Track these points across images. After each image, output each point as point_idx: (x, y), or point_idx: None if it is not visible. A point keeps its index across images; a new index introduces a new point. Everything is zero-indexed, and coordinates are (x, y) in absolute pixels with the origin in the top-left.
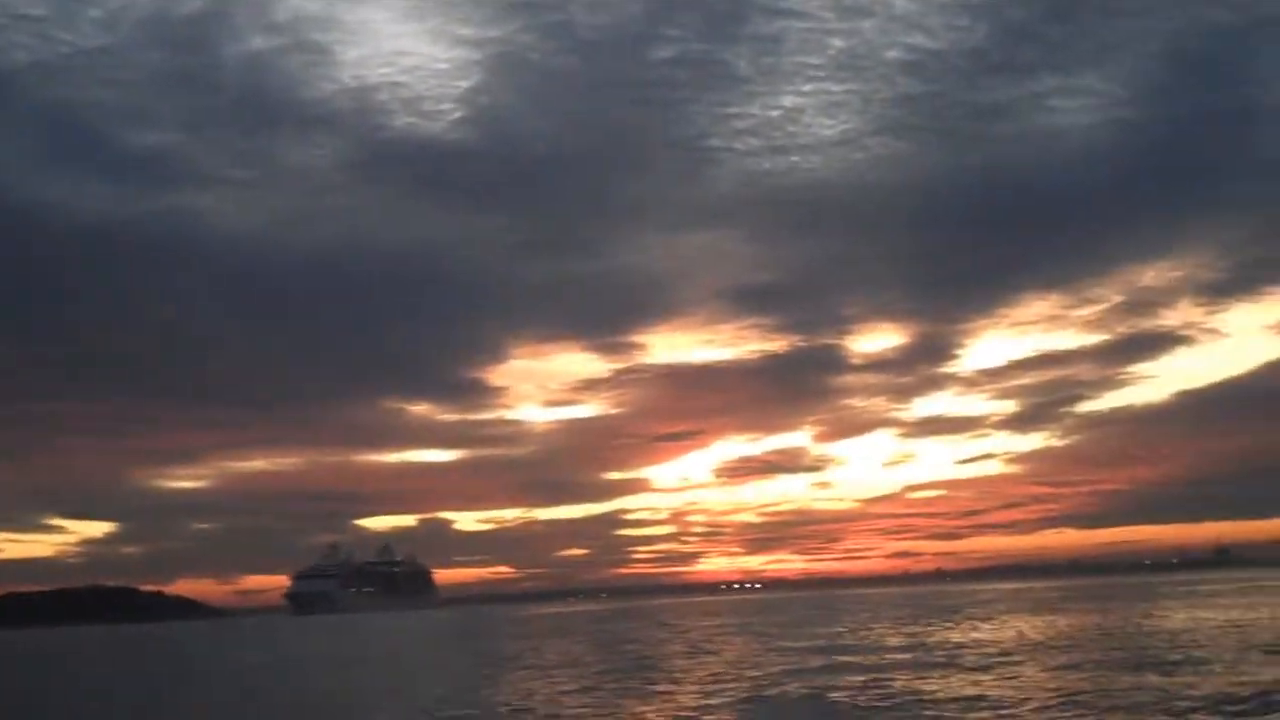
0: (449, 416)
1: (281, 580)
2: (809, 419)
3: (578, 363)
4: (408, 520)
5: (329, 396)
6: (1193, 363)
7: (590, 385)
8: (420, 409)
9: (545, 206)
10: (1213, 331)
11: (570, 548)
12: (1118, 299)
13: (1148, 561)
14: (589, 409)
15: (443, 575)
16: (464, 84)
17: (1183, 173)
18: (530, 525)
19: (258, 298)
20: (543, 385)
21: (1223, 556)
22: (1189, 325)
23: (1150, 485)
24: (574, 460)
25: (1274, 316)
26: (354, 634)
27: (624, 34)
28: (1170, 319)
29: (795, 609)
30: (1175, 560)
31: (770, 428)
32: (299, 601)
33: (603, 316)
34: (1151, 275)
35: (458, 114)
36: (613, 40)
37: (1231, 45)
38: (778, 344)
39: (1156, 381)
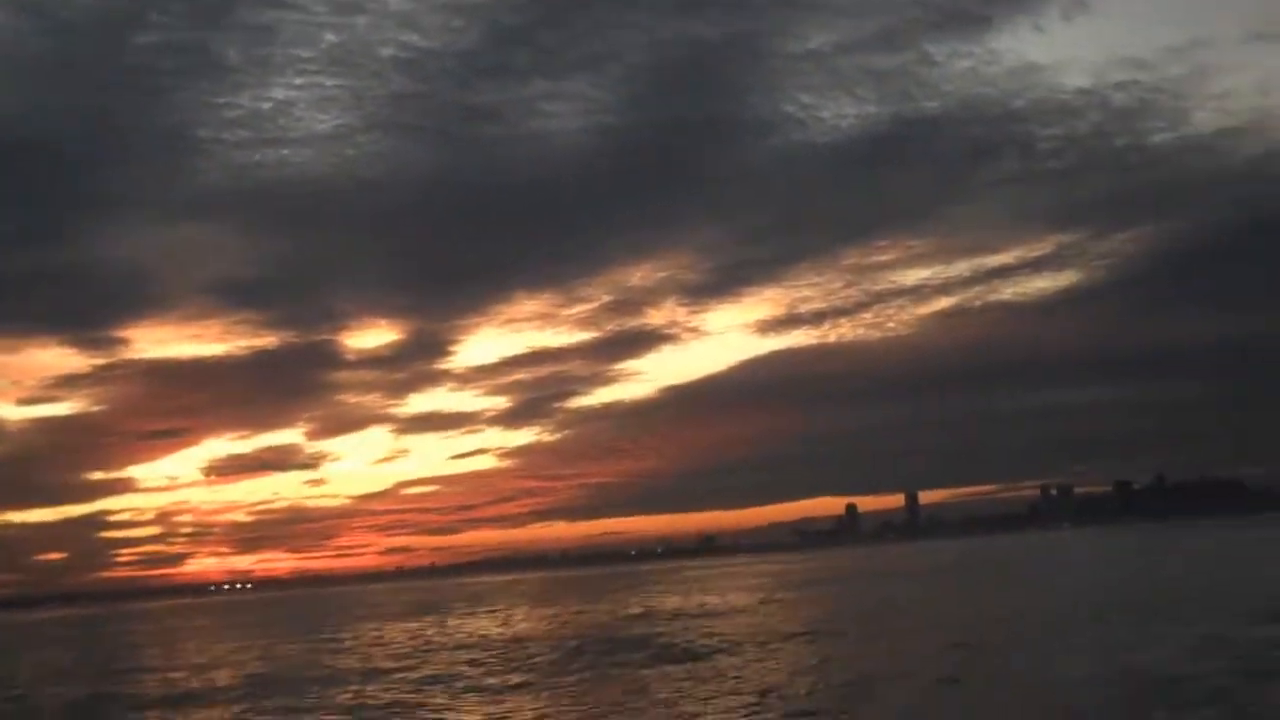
0: None
1: None
2: (302, 416)
3: (54, 358)
4: None
5: None
6: (677, 360)
7: (69, 382)
8: None
9: (14, 194)
10: (695, 330)
11: (47, 552)
12: (607, 298)
13: (633, 552)
14: (67, 406)
15: None
16: None
17: (668, 178)
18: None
19: None
20: (15, 381)
21: (707, 545)
22: (674, 324)
23: (638, 478)
24: (51, 460)
25: (752, 316)
26: None
27: (106, 18)
28: (656, 318)
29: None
30: (661, 550)
31: (262, 425)
32: None
33: (81, 310)
34: (639, 276)
35: None
36: (93, 24)
37: (713, 58)
38: (269, 340)
39: (644, 378)
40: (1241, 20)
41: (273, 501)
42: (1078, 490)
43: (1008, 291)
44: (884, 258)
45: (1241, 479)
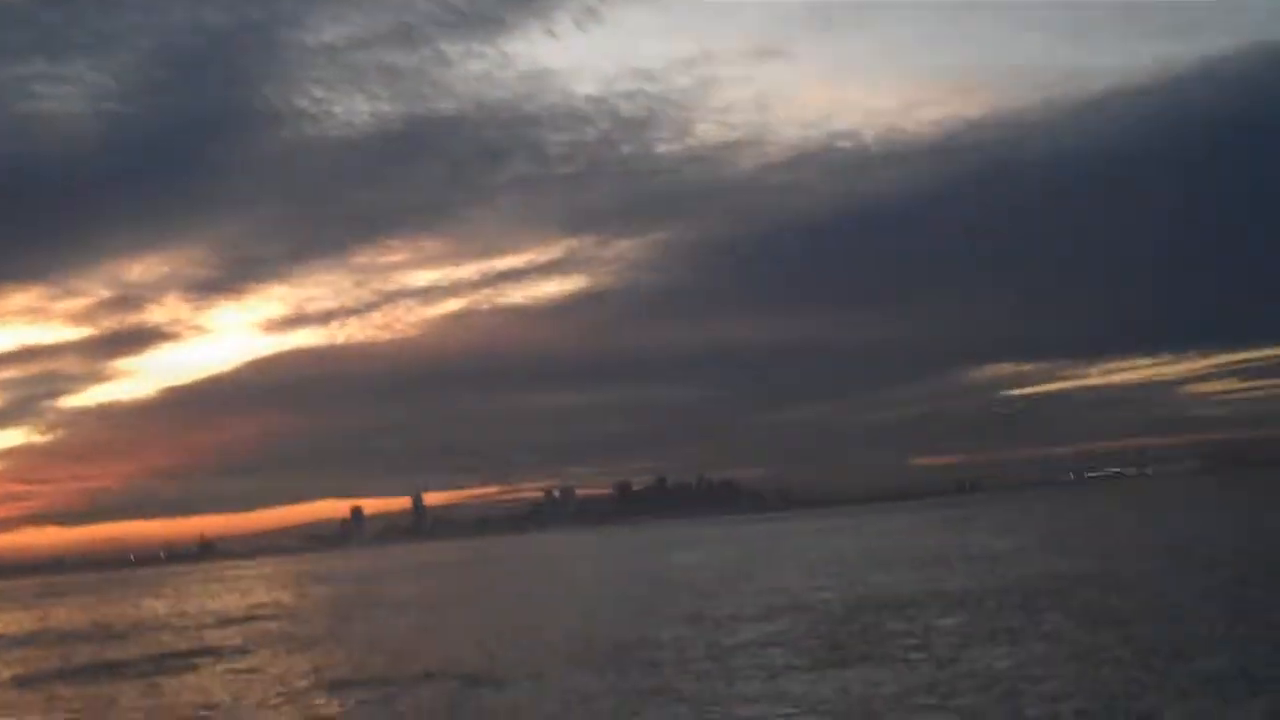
0: None
1: None
2: None
3: None
4: None
5: None
6: (179, 358)
7: None
8: None
9: None
10: (200, 328)
11: None
12: (105, 293)
13: (132, 557)
14: None
15: None
16: None
17: (174, 168)
18: None
19: None
20: None
21: (207, 549)
22: (176, 321)
23: (137, 480)
24: None
25: (259, 314)
26: None
27: None
28: (158, 314)
29: None
30: (163, 554)
31: None
32: None
33: None
34: (140, 270)
35: None
36: None
37: (225, 46)
38: None
39: (143, 377)
40: (745, 37)
41: None
42: (580, 491)
43: (517, 295)
44: (395, 258)
45: (735, 480)
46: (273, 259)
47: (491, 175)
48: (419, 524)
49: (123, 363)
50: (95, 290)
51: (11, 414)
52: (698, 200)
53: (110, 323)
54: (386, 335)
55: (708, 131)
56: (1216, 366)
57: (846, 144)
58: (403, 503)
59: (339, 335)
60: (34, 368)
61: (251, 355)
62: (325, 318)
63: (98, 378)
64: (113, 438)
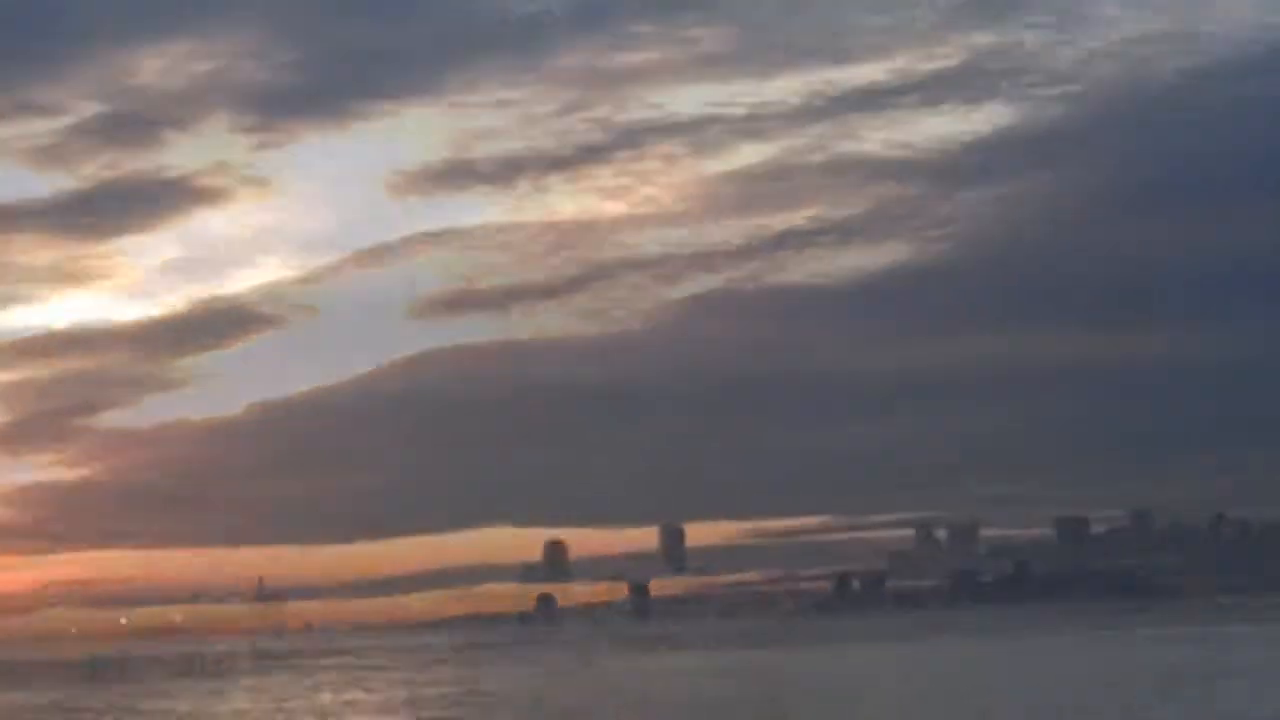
0: None
1: None
2: None
3: None
4: None
5: None
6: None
7: None
8: None
9: None
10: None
11: None
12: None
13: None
14: None
15: None
16: None
17: None
18: None
19: None
20: None
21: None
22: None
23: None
24: None
25: (403, 285)
26: None
27: None
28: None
29: None
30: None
31: None
32: None
33: None
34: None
35: None
36: None
37: None
38: None
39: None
40: None
41: None
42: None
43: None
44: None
45: None
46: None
47: None
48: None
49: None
50: None
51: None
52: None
53: None
54: (620, 207)
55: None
56: None
57: None
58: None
59: (521, 323)
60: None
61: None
62: (503, 297)
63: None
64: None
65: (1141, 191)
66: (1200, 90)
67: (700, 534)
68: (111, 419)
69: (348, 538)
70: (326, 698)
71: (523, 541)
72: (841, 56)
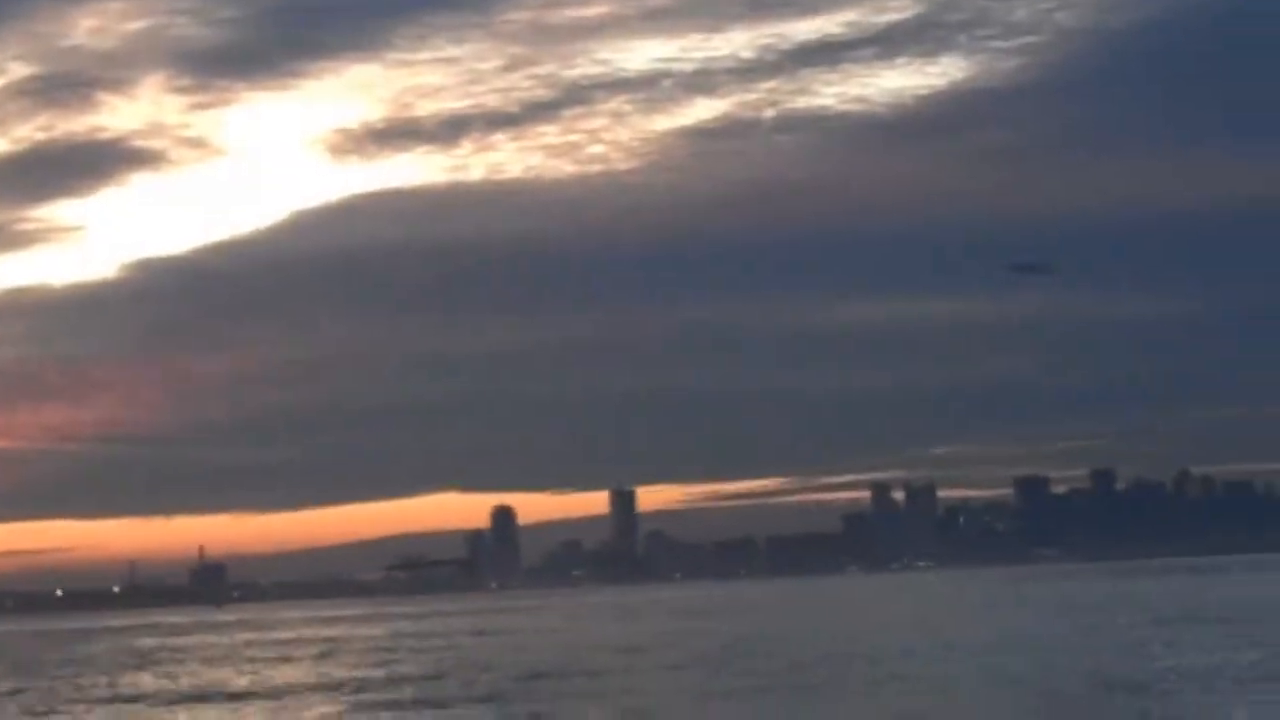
0: None
1: None
2: None
3: None
4: None
5: None
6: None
7: None
8: None
9: None
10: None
11: None
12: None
13: (59, 591)
14: None
15: None
16: None
17: None
18: None
19: None
20: None
21: (208, 579)
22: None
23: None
24: None
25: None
26: None
27: None
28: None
29: None
30: (117, 588)
31: None
32: None
33: None
34: None
35: None
36: None
37: None
38: None
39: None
40: None
41: None
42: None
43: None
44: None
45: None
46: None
47: None
48: (625, 545)
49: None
50: None
51: None
52: None
53: None
54: (567, 166)
55: None
56: None
57: None
58: (592, 504)
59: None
60: None
61: (292, 205)
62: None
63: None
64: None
65: (1099, 144)
66: (1156, 40)
67: (652, 498)
68: None
69: (293, 505)
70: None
71: (470, 507)
72: (794, 9)
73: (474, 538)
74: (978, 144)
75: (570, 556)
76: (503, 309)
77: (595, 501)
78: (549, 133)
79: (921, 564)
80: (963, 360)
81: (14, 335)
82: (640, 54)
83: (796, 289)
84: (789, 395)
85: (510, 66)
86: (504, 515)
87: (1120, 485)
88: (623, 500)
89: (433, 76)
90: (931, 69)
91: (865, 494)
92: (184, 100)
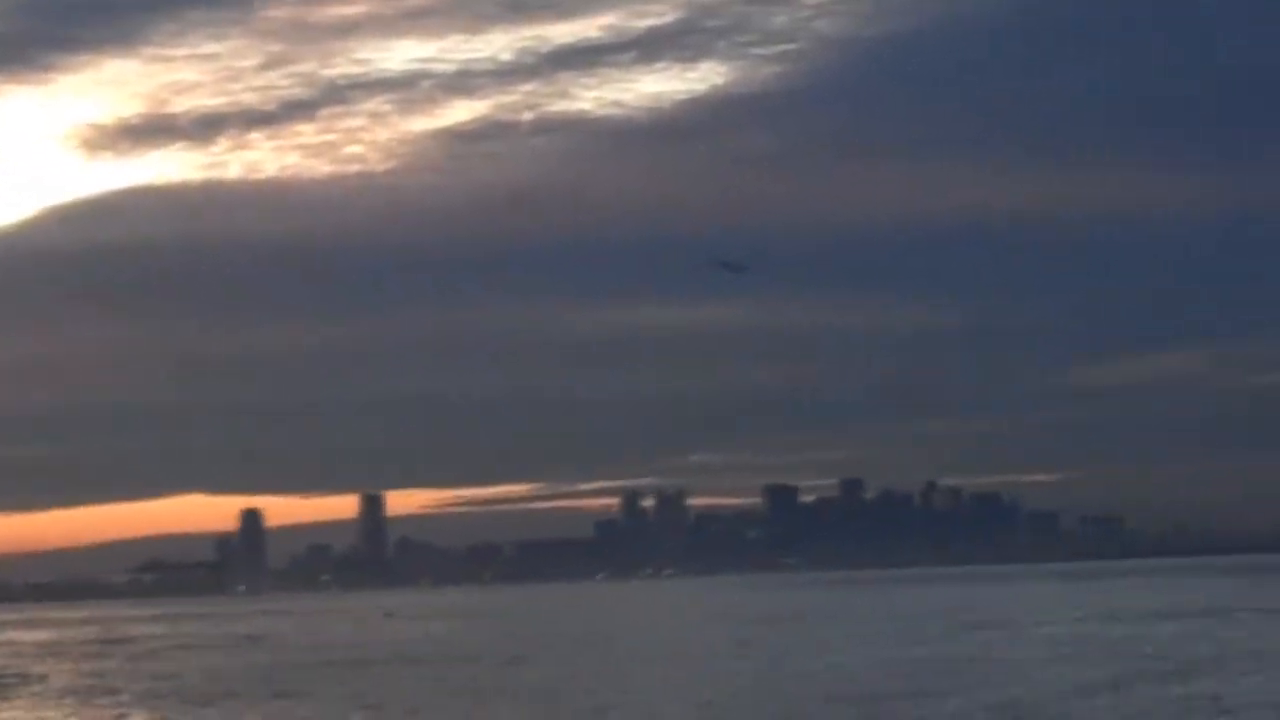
0: None
1: None
2: None
3: None
4: None
5: None
6: None
7: None
8: None
9: None
10: None
11: None
12: None
13: None
14: None
15: None
16: None
17: None
18: None
19: None
20: None
21: None
22: None
23: None
24: None
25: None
26: None
27: None
28: None
29: None
30: None
31: None
32: None
33: None
34: None
35: None
36: None
37: None
38: None
39: None
40: None
41: None
42: (696, 501)
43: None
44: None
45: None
46: None
47: None
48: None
49: None
50: None
51: None
52: None
53: None
54: (324, 166)
55: None
56: None
57: None
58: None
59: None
60: None
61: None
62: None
63: None
64: None
65: (856, 151)
66: (915, 50)
67: (401, 502)
68: None
69: (43, 506)
70: None
71: (217, 510)
72: (553, 12)
73: (222, 541)
74: (736, 149)
75: (319, 560)
76: (256, 310)
77: (344, 505)
78: (306, 132)
79: (668, 572)
80: (718, 368)
81: None
82: (399, 54)
83: (553, 294)
84: (542, 401)
85: (268, 64)
86: (252, 518)
87: (869, 495)
88: (372, 504)
89: (190, 73)
90: (691, 74)
91: (616, 501)
92: None
